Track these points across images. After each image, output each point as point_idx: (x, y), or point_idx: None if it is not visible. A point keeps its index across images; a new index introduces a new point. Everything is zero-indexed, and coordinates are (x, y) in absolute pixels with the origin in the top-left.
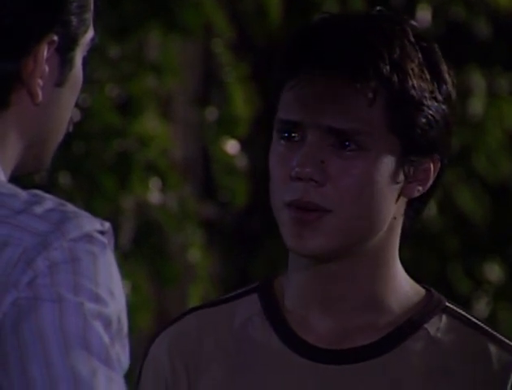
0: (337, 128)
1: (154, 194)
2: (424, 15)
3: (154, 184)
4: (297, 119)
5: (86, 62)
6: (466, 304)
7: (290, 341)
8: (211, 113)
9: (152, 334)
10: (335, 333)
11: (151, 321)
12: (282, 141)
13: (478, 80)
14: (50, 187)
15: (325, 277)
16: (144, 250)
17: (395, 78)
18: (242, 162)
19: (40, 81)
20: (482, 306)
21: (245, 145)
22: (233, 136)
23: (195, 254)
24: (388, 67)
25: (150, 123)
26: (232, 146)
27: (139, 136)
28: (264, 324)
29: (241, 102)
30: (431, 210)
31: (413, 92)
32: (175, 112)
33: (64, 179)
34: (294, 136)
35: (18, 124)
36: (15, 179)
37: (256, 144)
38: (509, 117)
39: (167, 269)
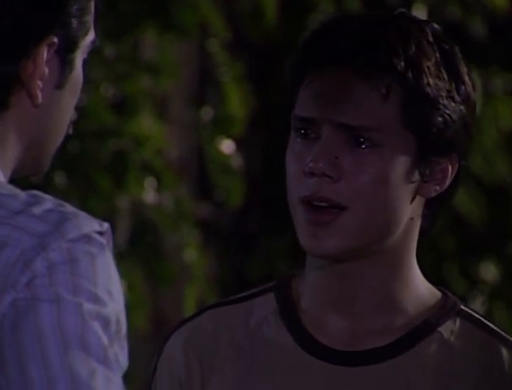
0: (349, 125)
1: (150, 194)
2: (420, 15)
3: (150, 183)
4: (311, 116)
5: (86, 64)
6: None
7: (304, 342)
8: (207, 113)
9: (147, 334)
10: (349, 335)
11: (146, 321)
12: (298, 139)
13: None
14: (46, 186)
15: (340, 277)
16: (139, 250)
17: (409, 74)
18: (238, 162)
19: (39, 83)
20: (477, 306)
21: (241, 144)
22: (229, 136)
23: (191, 254)
24: (402, 64)
25: (146, 123)
26: (227, 146)
27: (134, 136)
28: (279, 324)
29: (237, 102)
30: None
31: (428, 89)
32: (170, 112)
33: (59, 178)
34: (310, 133)
35: (17, 126)
36: (11, 179)
37: (252, 143)
38: (505, 117)
39: (163, 269)
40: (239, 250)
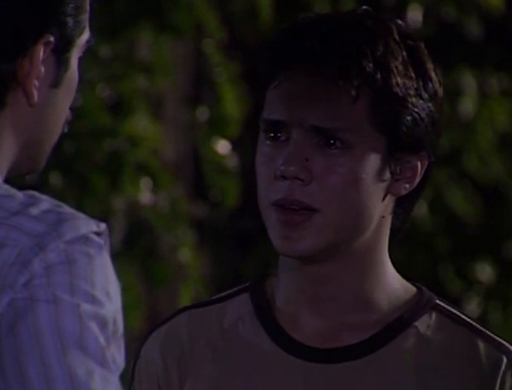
0: (321, 127)
1: (145, 194)
2: (415, 15)
3: (145, 184)
4: (281, 119)
5: (83, 63)
6: (457, 304)
7: (280, 340)
8: (202, 113)
9: (143, 334)
10: (325, 332)
11: (142, 321)
12: (268, 141)
13: (469, 81)
14: (41, 186)
15: (314, 277)
16: (135, 250)
17: (378, 75)
18: (233, 162)
19: (36, 82)
20: (473, 306)
21: (236, 144)
22: (224, 136)
23: (186, 254)
24: (371, 65)
25: (141, 123)
26: (222, 146)
27: (130, 136)
28: (255, 323)
29: (232, 102)
30: (422, 210)
31: (397, 89)
32: (166, 112)
33: (55, 179)
34: (280, 136)
35: (13, 125)
36: (6, 178)
37: (247, 144)
38: (500, 117)
39: (158, 269)
40: (234, 250)
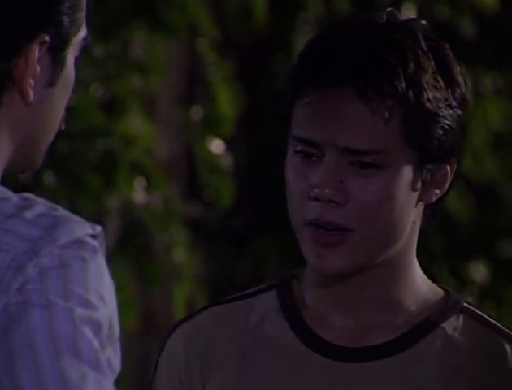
0: (355, 149)
1: (139, 193)
2: (409, 15)
3: (139, 183)
4: (314, 139)
5: (78, 62)
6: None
7: (306, 338)
8: (196, 112)
9: (137, 333)
10: (351, 331)
11: (136, 320)
12: (298, 157)
13: None
14: (35, 186)
15: (345, 285)
16: (128, 250)
17: (410, 94)
18: (227, 162)
19: (31, 81)
20: None
21: (230, 144)
22: (218, 136)
23: (180, 254)
24: (403, 85)
25: (135, 123)
26: (216, 146)
27: (124, 136)
28: (281, 321)
29: (226, 102)
30: None
31: (428, 105)
32: (160, 111)
33: (49, 178)
34: (312, 154)
35: (9, 124)
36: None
37: (241, 143)
38: (494, 116)
39: (152, 268)
40: (228, 250)
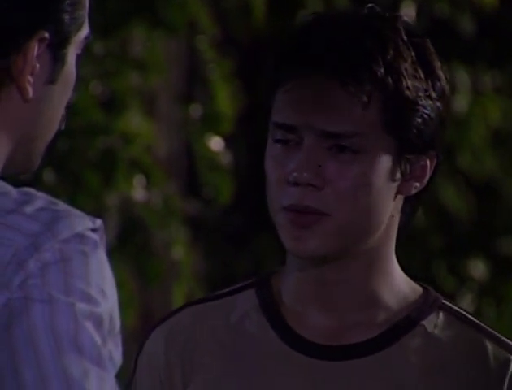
0: (332, 132)
1: (138, 191)
2: (409, 12)
3: (138, 180)
4: (292, 123)
5: (80, 60)
6: (450, 301)
7: (287, 336)
8: (195, 110)
9: (136, 331)
10: (332, 329)
11: (135, 318)
12: (278, 145)
13: (462, 77)
14: (34, 184)
15: (323, 278)
16: (128, 247)
17: (389, 80)
18: (226, 159)
19: (30, 78)
20: (467, 303)
21: (230, 142)
22: (217, 133)
23: (179, 251)
24: (382, 70)
25: (134, 120)
26: (216, 143)
27: (123, 133)
28: (261, 319)
29: (225, 99)
30: None
31: (407, 92)
32: (159, 109)
33: (48, 175)
34: (290, 140)
35: (8, 121)
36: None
37: (240, 141)
38: (493, 114)
39: (151, 266)
40: (227, 248)
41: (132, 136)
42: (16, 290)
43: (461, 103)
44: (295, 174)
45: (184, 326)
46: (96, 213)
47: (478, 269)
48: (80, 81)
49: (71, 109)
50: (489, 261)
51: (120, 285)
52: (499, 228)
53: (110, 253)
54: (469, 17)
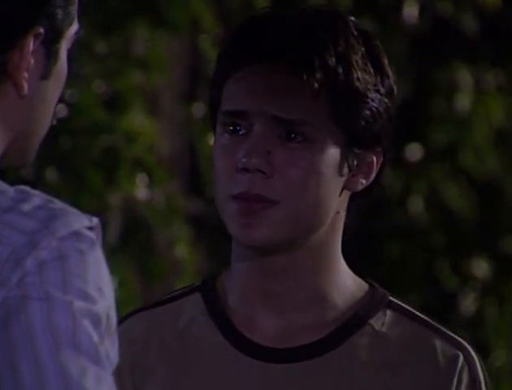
0: (283, 118)
1: (141, 190)
2: (411, 11)
3: (141, 179)
4: (243, 109)
5: (71, 55)
6: (453, 300)
7: (235, 340)
8: (198, 109)
9: None
10: (280, 331)
11: None
12: (226, 134)
13: (465, 77)
14: (37, 182)
15: (268, 270)
16: (131, 246)
17: (340, 70)
18: None
19: (25, 74)
20: (469, 302)
21: None
22: None
23: (182, 250)
24: (333, 59)
25: (137, 119)
26: None
27: (126, 132)
28: (209, 323)
29: None
30: (418, 206)
31: (357, 84)
32: (161, 108)
33: (51, 174)
34: (239, 129)
35: (3, 117)
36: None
37: None
38: (496, 113)
39: (154, 265)
40: (230, 247)
41: (134, 135)
42: (14, 288)
43: (463, 102)
44: (244, 159)
45: (133, 333)
46: (98, 212)
47: (480, 268)
48: (83, 80)
49: (73, 108)
50: (492, 260)
51: (123, 284)
52: (502, 227)
53: (113, 252)
54: (471, 16)
